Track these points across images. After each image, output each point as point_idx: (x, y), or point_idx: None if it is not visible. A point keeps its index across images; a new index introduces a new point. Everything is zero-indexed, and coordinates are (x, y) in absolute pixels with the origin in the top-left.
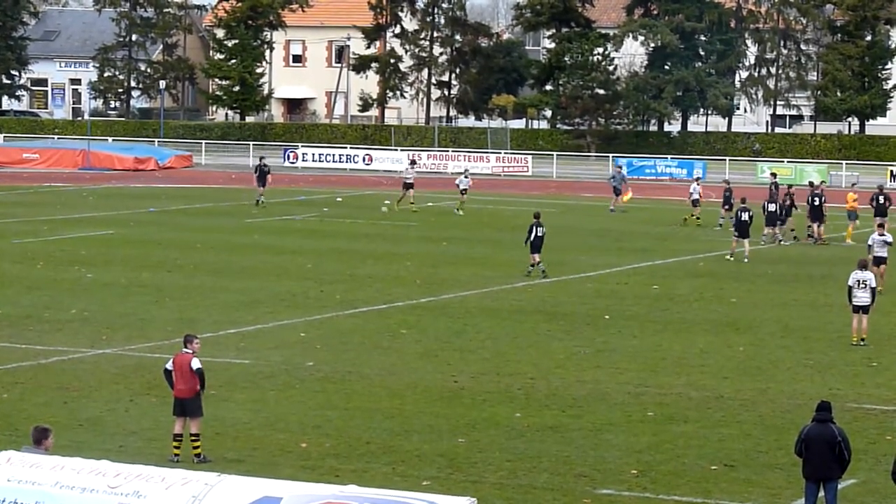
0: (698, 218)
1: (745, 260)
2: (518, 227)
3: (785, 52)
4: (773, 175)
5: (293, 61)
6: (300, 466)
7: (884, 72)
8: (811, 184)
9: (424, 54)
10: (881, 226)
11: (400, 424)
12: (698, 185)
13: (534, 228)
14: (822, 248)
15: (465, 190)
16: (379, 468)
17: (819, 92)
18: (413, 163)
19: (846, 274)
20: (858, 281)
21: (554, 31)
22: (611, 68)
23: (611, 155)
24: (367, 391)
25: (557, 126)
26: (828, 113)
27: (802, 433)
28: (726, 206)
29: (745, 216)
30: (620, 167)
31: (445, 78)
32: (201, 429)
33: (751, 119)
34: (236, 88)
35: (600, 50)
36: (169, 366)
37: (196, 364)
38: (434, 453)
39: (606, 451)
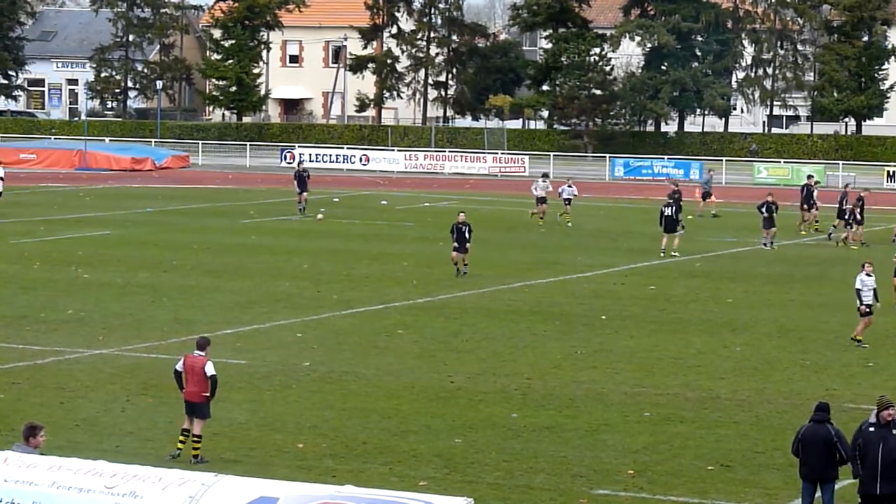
0: (806, 222)
1: (675, 255)
2: (514, 228)
3: (781, 52)
4: (810, 177)
5: (290, 61)
6: (297, 466)
7: (881, 72)
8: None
9: (421, 55)
10: None
11: (397, 425)
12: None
13: (458, 228)
14: (817, 248)
15: (569, 200)
16: (375, 468)
17: (816, 92)
18: (545, 176)
19: (842, 274)
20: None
21: (550, 31)
22: (607, 69)
23: (608, 155)
24: (364, 391)
25: (554, 126)
26: (824, 113)
27: (799, 433)
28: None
29: (668, 211)
30: (712, 170)
31: (442, 78)
32: (203, 431)
33: (747, 119)
34: (233, 89)
35: (597, 50)
36: (179, 367)
37: (211, 370)
38: (431, 453)
39: (603, 451)
